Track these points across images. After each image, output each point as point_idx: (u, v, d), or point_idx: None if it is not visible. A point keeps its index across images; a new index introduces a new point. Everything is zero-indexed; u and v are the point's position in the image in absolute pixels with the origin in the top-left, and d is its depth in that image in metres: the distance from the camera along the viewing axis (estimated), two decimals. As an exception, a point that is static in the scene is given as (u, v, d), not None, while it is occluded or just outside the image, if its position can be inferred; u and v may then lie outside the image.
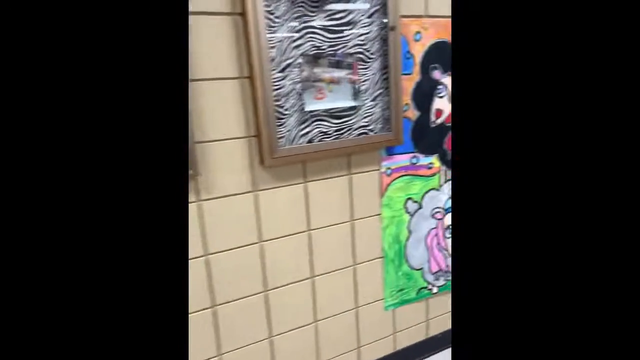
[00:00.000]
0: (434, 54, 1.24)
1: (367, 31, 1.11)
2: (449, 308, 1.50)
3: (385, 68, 1.15)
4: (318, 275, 1.20)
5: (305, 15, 1.02)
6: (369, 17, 1.10)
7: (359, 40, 1.10)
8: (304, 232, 1.15)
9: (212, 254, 1.04)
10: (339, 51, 1.09)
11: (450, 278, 1.46)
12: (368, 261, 1.28)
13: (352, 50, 1.10)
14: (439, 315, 1.48)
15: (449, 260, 1.44)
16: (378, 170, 1.24)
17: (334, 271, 1.23)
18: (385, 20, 1.11)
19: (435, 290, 1.44)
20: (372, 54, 1.13)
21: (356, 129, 1.16)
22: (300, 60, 1.04)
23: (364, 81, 1.13)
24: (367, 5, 1.09)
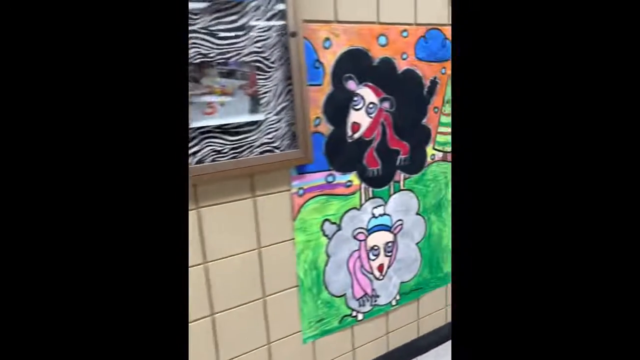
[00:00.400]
0: (347, 63, 1.14)
1: (265, 37, 0.98)
2: (378, 334, 1.40)
3: (290, 78, 1.03)
4: (219, 312, 1.06)
5: (186, 17, 0.88)
6: (267, 21, 0.98)
7: (255, 47, 0.98)
8: (198, 265, 1.01)
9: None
10: (232, 59, 0.95)
11: (376, 303, 1.36)
12: (281, 291, 1.16)
13: (248, 59, 0.97)
14: (366, 342, 1.37)
15: (375, 283, 1.34)
16: (288, 191, 1.12)
17: (238, 306, 1.09)
18: (284, 24, 0.99)
19: (360, 317, 1.33)
20: (272, 62, 1.01)
21: (258, 147, 1.03)
22: (182, 69, 0.90)
23: (264, 93, 1.01)
24: (262, 8, 0.97)
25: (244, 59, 0.97)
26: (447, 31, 1.32)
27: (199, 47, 0.91)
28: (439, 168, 1.41)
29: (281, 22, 0.99)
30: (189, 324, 1.02)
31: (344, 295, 1.28)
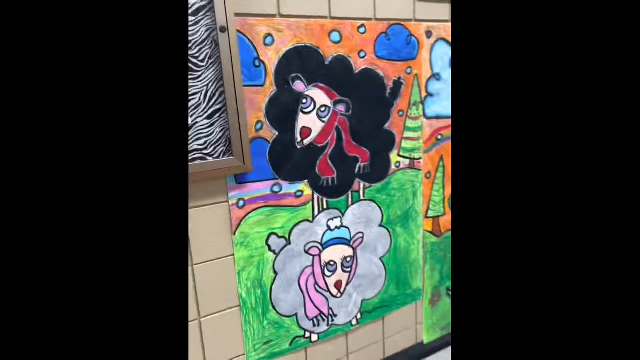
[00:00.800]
0: (293, 62, 1.03)
1: (192, 32, 0.88)
2: (336, 356, 1.29)
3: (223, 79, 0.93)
4: (143, 337, 0.96)
5: (91, 9, 0.78)
6: (193, 15, 0.88)
7: (180, 43, 0.87)
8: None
9: None
10: (151, 57, 0.85)
11: (334, 322, 1.25)
12: (219, 312, 1.05)
13: (171, 56, 0.87)
14: (323, 365, 1.26)
15: (332, 302, 1.23)
16: (225, 202, 1.01)
17: (167, 329, 0.99)
18: (213, 18, 0.89)
19: (315, 338, 1.23)
20: (201, 61, 0.90)
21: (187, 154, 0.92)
22: (89, 67, 0.80)
23: (192, 95, 0.91)
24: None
25: (165, 56, 0.87)
26: (412, 27, 1.21)
27: (109, 43, 0.81)
28: (405, 176, 1.30)
29: (210, 16, 0.89)
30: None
31: (294, 315, 1.18)
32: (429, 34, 1.25)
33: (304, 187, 1.12)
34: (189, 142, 0.92)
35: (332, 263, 1.21)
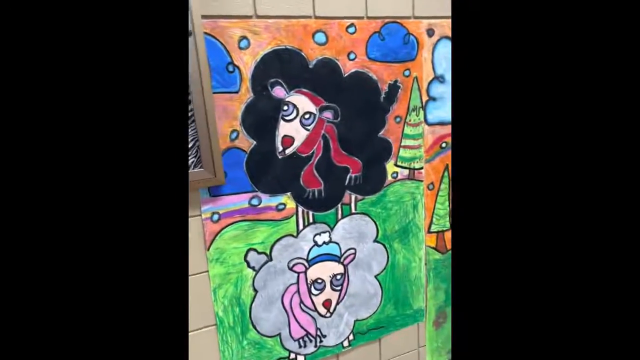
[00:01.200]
0: (272, 66, 0.96)
1: (155, 37, 0.82)
2: (326, 379, 1.21)
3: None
4: (109, 356, 0.92)
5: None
6: (156, 18, 0.82)
7: (142, 49, 0.82)
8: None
9: None
10: (111, 64, 0.81)
11: (323, 343, 1.17)
12: (193, 331, 1.00)
13: (133, 63, 0.82)
14: (311, 388, 1.18)
15: (320, 321, 1.15)
16: (198, 216, 0.96)
17: (135, 348, 0.94)
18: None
19: (301, 359, 1.15)
20: (166, 67, 0.85)
21: (153, 166, 0.87)
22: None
23: (157, 103, 0.85)
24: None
25: (126, 63, 0.82)
26: (411, 25, 1.10)
27: (64, 51, 0.77)
28: (403, 188, 1.19)
29: (176, 19, 0.83)
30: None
31: (278, 335, 1.11)
32: (430, 32, 1.13)
33: (287, 199, 1.04)
34: (156, 153, 0.87)
35: (319, 281, 1.13)
